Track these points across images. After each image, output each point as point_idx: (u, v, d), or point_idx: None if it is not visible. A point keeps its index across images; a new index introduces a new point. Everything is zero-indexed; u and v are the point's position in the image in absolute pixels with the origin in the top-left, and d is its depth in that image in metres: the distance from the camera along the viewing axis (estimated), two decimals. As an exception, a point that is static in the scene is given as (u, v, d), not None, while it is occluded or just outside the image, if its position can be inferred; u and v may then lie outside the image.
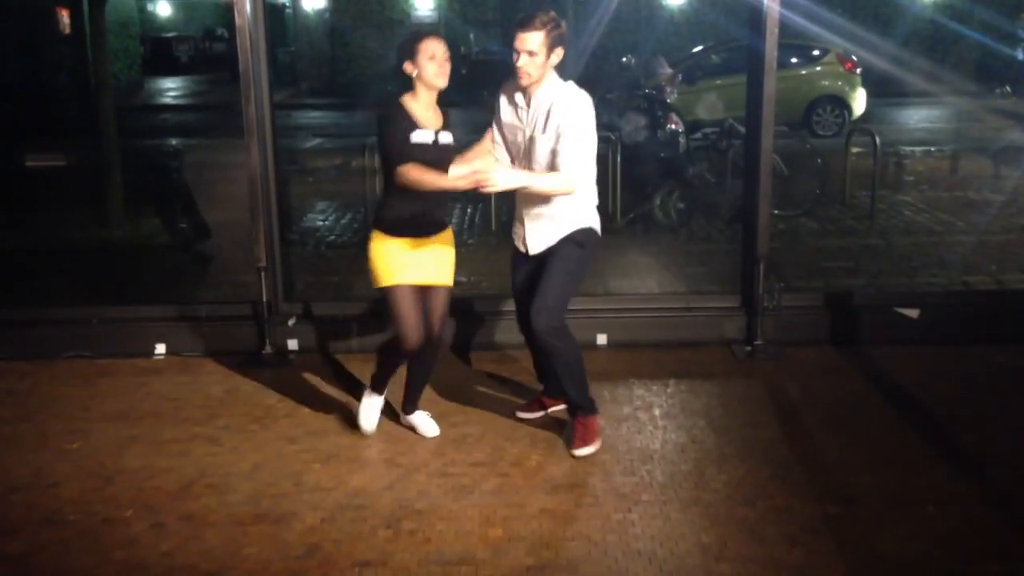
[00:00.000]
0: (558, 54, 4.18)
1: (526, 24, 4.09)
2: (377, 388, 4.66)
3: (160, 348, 5.84)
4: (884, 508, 3.95)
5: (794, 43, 15.32)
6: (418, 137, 4.14)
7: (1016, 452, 4.43)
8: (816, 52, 16.13)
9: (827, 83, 15.88)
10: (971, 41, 23.39)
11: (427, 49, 4.11)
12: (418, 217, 4.26)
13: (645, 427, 4.75)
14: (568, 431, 4.57)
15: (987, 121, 16.57)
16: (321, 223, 9.66)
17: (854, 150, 10.25)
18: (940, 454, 4.44)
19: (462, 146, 4.40)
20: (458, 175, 4.11)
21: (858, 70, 16.04)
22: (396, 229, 4.26)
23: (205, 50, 35.18)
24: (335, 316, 5.95)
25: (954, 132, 16.07)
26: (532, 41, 4.09)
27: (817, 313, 5.91)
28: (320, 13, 27.80)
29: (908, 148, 13.52)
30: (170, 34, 35.54)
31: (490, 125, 4.48)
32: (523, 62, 4.11)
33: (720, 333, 5.85)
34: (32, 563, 3.68)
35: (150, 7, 37.63)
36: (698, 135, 11.98)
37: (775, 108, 5.61)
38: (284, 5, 33.08)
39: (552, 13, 4.16)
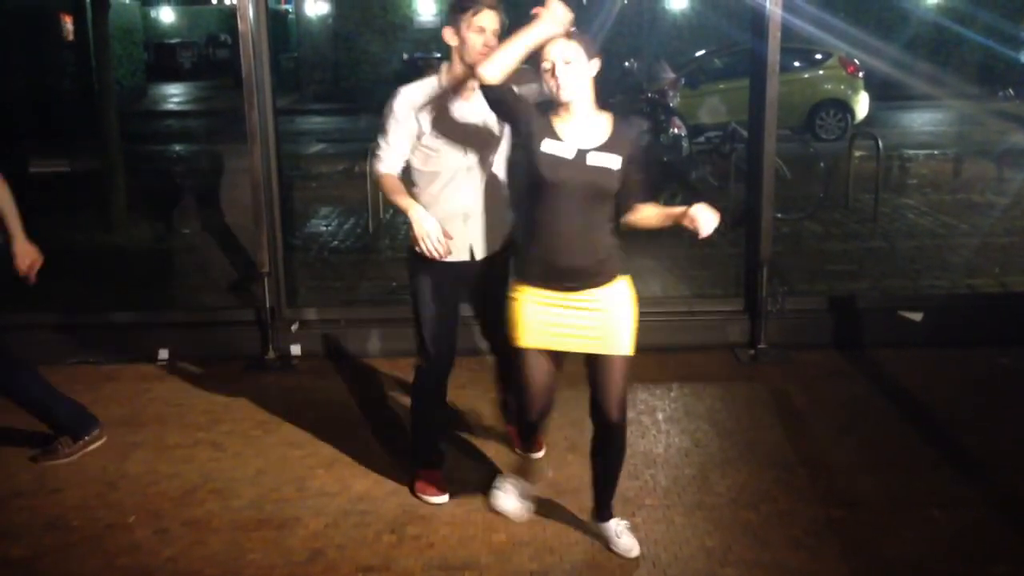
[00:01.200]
0: None
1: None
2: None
3: (163, 353, 5.84)
4: (888, 511, 3.94)
5: (797, 47, 15.33)
6: None
7: (1020, 454, 4.42)
8: (819, 56, 16.15)
9: (830, 87, 15.89)
10: (974, 44, 23.38)
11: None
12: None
13: (648, 431, 4.74)
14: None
15: (990, 124, 16.56)
16: (324, 228, 9.67)
17: (857, 153, 10.25)
18: (944, 457, 4.44)
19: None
20: None
21: (861, 74, 16.05)
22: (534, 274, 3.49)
23: (208, 56, 35.25)
24: (338, 321, 5.96)
25: (957, 135, 16.06)
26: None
27: (820, 316, 5.90)
28: (323, 18, 27.83)
29: (911, 151, 13.51)
30: (173, 40, 35.62)
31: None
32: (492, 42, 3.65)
33: (723, 337, 5.84)
34: (35, 568, 3.69)
35: (153, 13, 37.72)
36: (701, 139, 11.97)
37: (778, 112, 5.61)
38: (287, 11, 33.16)
39: None
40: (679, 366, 5.58)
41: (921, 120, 18.64)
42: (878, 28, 22.88)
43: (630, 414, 4.91)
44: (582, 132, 3.36)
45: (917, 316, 5.84)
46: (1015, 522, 3.89)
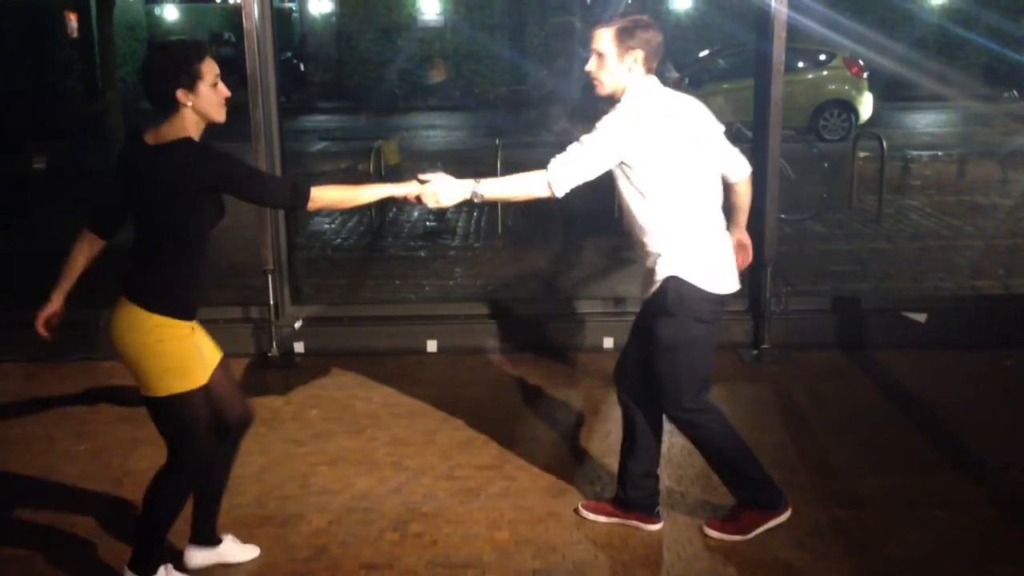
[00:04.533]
0: (637, 58, 3.42)
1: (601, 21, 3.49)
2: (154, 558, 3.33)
3: (167, 350, 5.83)
4: (891, 511, 3.94)
5: (801, 47, 15.31)
6: None
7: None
8: (823, 56, 16.14)
9: (834, 87, 15.88)
10: (978, 45, 23.35)
11: (211, 69, 3.31)
12: (202, 282, 3.35)
13: (652, 430, 4.73)
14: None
15: (995, 125, 16.53)
16: (328, 226, 9.67)
17: (861, 154, 10.24)
18: (947, 457, 4.43)
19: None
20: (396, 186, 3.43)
21: (865, 74, 16.04)
22: (189, 308, 3.30)
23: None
24: (341, 319, 5.96)
25: (961, 136, 16.04)
26: (598, 39, 3.46)
27: (824, 317, 5.90)
28: (327, 17, 27.86)
29: (915, 152, 13.49)
30: (177, 38, 35.63)
31: None
32: (591, 64, 3.49)
33: (727, 336, 5.83)
34: (36, 565, 3.68)
35: (157, 11, 37.70)
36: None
37: (782, 112, 5.61)
38: (291, 9, 33.17)
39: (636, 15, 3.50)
40: (682, 366, 5.57)
41: (925, 121, 18.63)
42: (883, 28, 22.86)
43: (633, 413, 4.91)
44: None
45: (921, 317, 5.83)
46: (1019, 523, 3.89)
